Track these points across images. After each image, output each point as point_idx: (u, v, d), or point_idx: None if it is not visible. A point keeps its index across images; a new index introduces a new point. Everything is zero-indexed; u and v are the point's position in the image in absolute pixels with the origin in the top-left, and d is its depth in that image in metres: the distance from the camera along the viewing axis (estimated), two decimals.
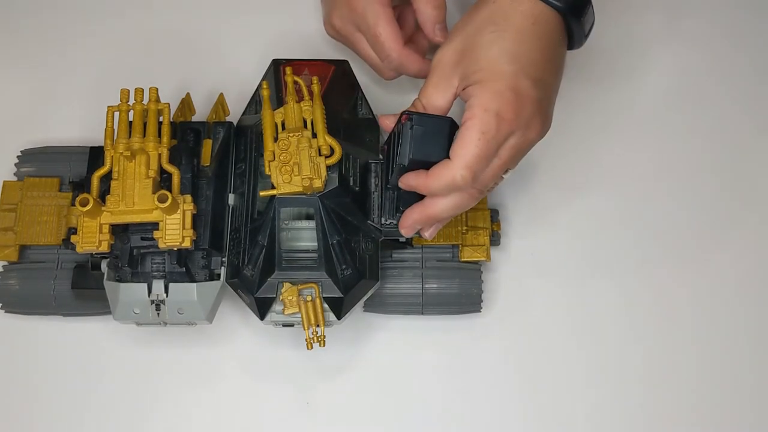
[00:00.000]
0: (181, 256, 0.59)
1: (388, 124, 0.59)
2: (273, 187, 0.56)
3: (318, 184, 0.56)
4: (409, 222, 0.58)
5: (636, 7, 0.75)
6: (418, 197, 0.58)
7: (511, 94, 0.52)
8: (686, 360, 0.65)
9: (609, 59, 0.73)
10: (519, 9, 0.54)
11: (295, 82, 0.60)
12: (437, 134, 0.54)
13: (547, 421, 0.64)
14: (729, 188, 0.70)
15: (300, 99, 0.59)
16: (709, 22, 0.75)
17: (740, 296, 0.67)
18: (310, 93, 0.59)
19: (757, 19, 0.75)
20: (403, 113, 0.56)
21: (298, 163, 0.56)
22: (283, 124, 0.58)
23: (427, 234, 0.59)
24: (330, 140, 0.57)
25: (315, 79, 0.60)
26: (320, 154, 0.57)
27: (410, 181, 0.56)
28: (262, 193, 0.57)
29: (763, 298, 0.67)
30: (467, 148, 0.53)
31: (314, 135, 0.57)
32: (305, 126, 0.58)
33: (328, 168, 0.57)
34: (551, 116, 0.56)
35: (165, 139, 0.59)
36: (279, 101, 0.62)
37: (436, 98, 0.56)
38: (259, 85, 0.65)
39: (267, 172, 0.56)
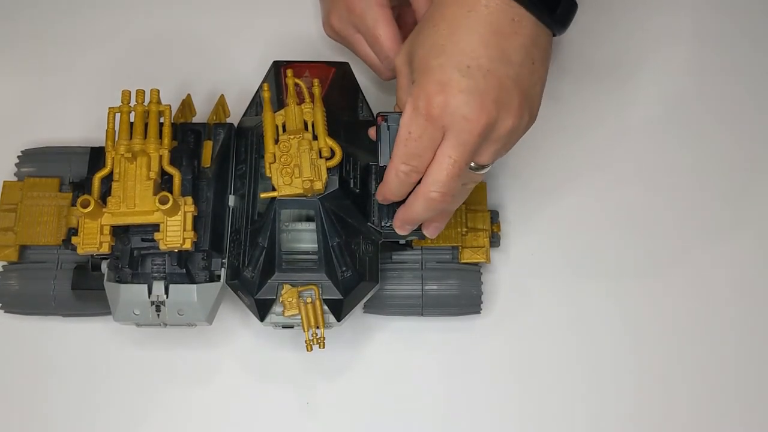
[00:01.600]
0: (181, 257, 0.59)
1: (373, 134, 0.59)
2: (273, 189, 0.56)
3: (319, 186, 0.56)
4: (397, 223, 0.58)
5: (636, 11, 0.75)
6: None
7: (437, 88, 0.52)
8: (686, 361, 0.66)
9: (612, 61, 0.73)
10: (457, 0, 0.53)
11: (296, 84, 0.60)
12: None
13: (546, 422, 0.64)
14: (726, 190, 0.70)
15: (301, 101, 0.59)
16: (706, 27, 0.75)
17: (737, 296, 0.67)
18: (311, 95, 0.59)
19: (752, 25, 0.75)
20: (378, 115, 0.56)
21: (298, 165, 0.56)
22: (283, 126, 0.58)
23: (427, 233, 0.59)
24: (331, 142, 0.57)
25: (316, 81, 0.60)
26: (321, 156, 0.57)
27: (378, 195, 0.57)
28: (262, 195, 0.57)
29: (757, 297, 0.67)
30: (398, 146, 0.54)
31: (315, 137, 0.57)
32: (306, 128, 0.58)
33: (329, 170, 0.57)
34: (516, 104, 0.53)
35: (166, 140, 0.59)
36: (280, 103, 0.62)
37: (402, 101, 0.56)
38: (260, 87, 0.65)
39: (267, 173, 0.56)
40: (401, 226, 0.58)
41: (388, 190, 0.56)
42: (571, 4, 0.55)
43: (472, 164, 0.54)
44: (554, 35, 0.55)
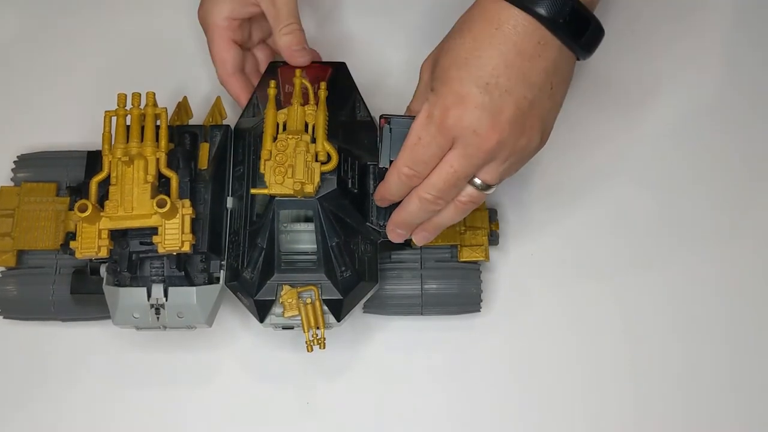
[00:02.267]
0: (180, 260, 0.59)
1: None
2: (266, 187, 0.56)
3: (309, 189, 0.56)
4: (390, 226, 0.59)
5: (652, 40, 0.74)
6: None
7: (454, 100, 0.52)
8: (685, 360, 0.66)
9: (613, 71, 0.73)
10: (485, 15, 0.53)
11: (303, 86, 0.59)
12: None
13: (546, 421, 0.64)
14: (725, 194, 0.70)
15: (305, 102, 0.59)
16: (721, 54, 0.74)
17: (737, 297, 0.67)
18: (316, 97, 0.59)
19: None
20: (381, 117, 0.57)
21: (292, 165, 0.56)
22: (284, 125, 0.58)
23: (415, 239, 0.59)
24: (328, 147, 0.57)
25: (323, 85, 0.60)
26: (317, 160, 0.57)
27: (377, 195, 0.58)
28: (253, 191, 0.57)
29: (756, 298, 0.67)
30: (405, 149, 0.54)
31: (314, 140, 0.57)
32: (306, 130, 0.58)
33: (325, 173, 0.57)
34: (529, 127, 0.53)
35: (163, 143, 0.59)
36: (277, 104, 0.62)
37: (416, 106, 0.57)
38: (256, 88, 0.65)
39: (262, 170, 0.56)
40: (393, 230, 0.59)
41: (386, 190, 0.56)
42: (599, 30, 0.55)
43: (479, 182, 0.55)
44: (578, 59, 0.56)
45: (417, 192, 0.55)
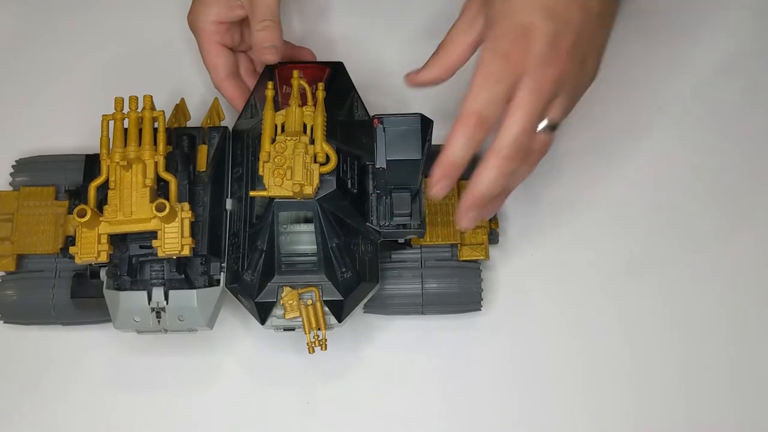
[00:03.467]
0: (180, 262, 0.59)
1: None
2: (265, 189, 0.56)
3: (308, 191, 0.56)
4: (463, 211, 0.55)
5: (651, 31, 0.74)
6: (411, 200, 0.58)
7: (519, 31, 0.51)
8: (684, 359, 0.65)
9: (618, 61, 0.72)
10: None
11: (301, 87, 0.59)
12: (409, 131, 0.55)
13: (547, 420, 0.64)
14: (726, 194, 0.70)
15: (303, 103, 0.58)
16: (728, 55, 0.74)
17: (737, 297, 0.67)
18: (314, 98, 0.59)
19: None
20: (374, 117, 0.56)
21: (291, 167, 0.56)
22: (282, 127, 0.58)
23: (465, 222, 0.56)
24: (327, 148, 0.57)
25: (321, 86, 0.59)
26: (315, 161, 0.56)
27: (436, 170, 0.53)
28: (251, 193, 0.57)
29: (756, 299, 0.67)
30: (472, 93, 0.52)
31: (312, 141, 0.57)
32: (304, 131, 0.57)
33: (323, 174, 0.57)
34: (585, 57, 0.53)
35: (161, 147, 0.59)
36: (275, 104, 0.62)
37: (461, 39, 0.56)
38: (254, 89, 0.65)
39: (260, 172, 0.56)
40: (465, 214, 0.55)
41: (451, 152, 0.52)
42: None
43: (546, 123, 0.53)
44: None
45: (492, 154, 0.52)
